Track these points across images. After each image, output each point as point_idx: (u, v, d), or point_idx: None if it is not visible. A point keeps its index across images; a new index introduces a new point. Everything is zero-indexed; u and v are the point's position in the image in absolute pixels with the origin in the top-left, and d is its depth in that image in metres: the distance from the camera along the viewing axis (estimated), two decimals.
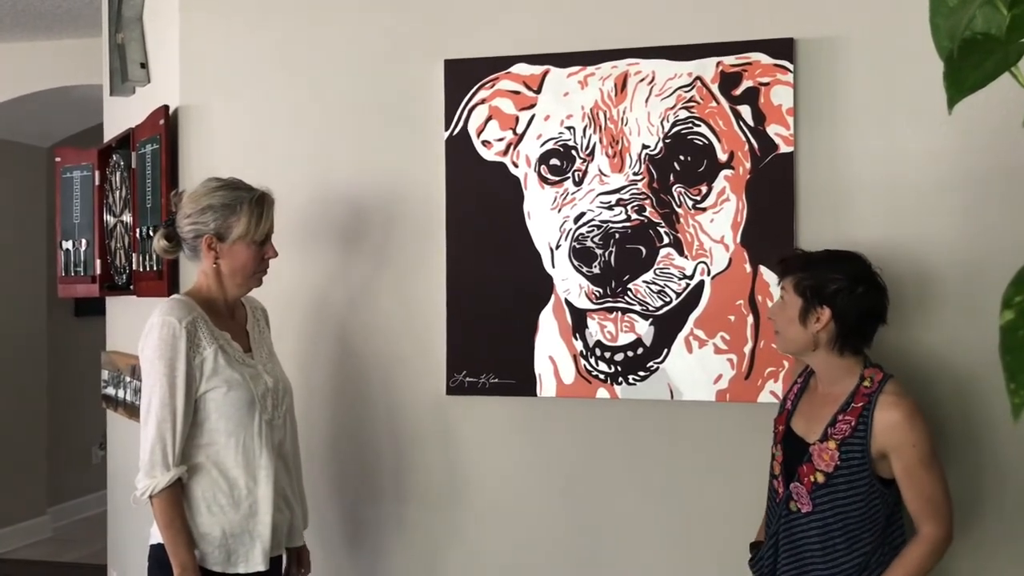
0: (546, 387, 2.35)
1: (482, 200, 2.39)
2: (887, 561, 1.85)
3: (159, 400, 1.89)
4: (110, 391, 3.26)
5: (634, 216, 2.28)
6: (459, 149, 2.41)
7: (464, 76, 2.41)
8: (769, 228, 2.21)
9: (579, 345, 2.33)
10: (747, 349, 2.23)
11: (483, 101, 2.39)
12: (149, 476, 1.88)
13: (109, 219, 3.21)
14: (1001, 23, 0.70)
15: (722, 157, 2.24)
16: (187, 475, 1.93)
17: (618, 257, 2.29)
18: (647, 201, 2.28)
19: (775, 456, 1.98)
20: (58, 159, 3.44)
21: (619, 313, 2.30)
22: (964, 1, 0.71)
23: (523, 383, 2.37)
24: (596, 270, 2.31)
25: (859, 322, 1.87)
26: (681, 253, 2.26)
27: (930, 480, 1.81)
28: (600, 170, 2.31)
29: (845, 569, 1.85)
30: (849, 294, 1.85)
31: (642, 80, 2.29)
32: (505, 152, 2.38)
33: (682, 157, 2.26)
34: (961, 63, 0.71)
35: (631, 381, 2.30)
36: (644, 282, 2.28)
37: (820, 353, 1.90)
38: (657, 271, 2.28)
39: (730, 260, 2.24)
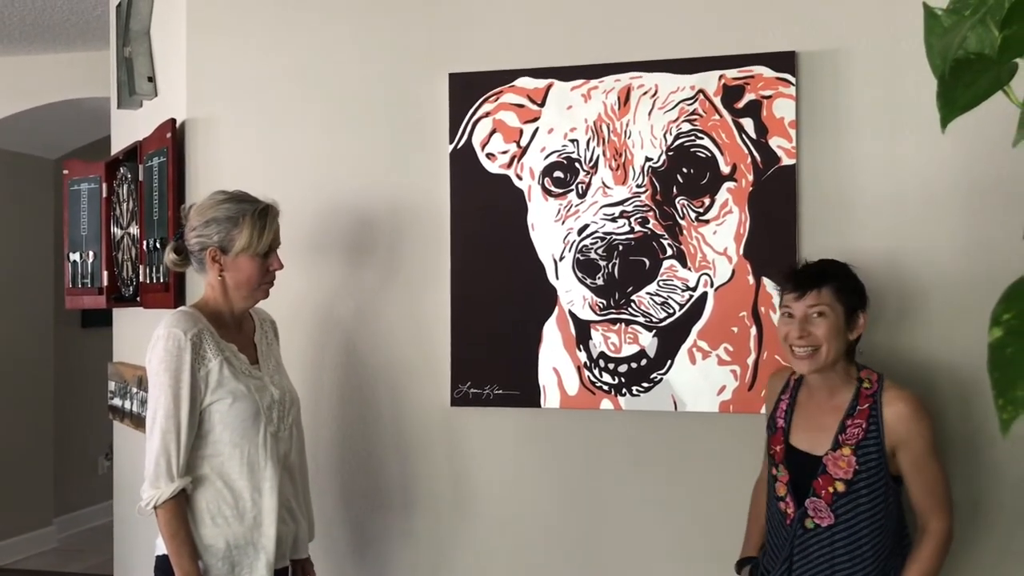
0: (550, 398, 2.36)
1: (486, 212, 2.41)
2: (900, 564, 1.87)
3: (164, 411, 1.90)
4: (116, 402, 3.27)
5: (637, 228, 2.30)
6: (463, 162, 2.43)
7: (468, 89, 2.42)
8: (772, 240, 2.22)
9: (583, 356, 2.34)
10: (750, 360, 2.24)
11: (487, 114, 2.41)
12: (154, 487, 1.89)
13: (116, 231, 3.23)
14: (994, 43, 0.71)
15: (725, 169, 2.25)
16: (192, 486, 1.94)
17: (621, 269, 2.30)
18: (650, 213, 2.29)
19: (777, 477, 1.95)
20: (66, 171, 3.46)
21: (623, 324, 2.31)
22: (957, 22, 0.73)
23: (527, 394, 2.38)
24: (600, 282, 2.32)
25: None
26: (684, 265, 2.27)
27: (936, 472, 1.84)
28: (603, 182, 2.32)
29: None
30: (866, 295, 1.92)
31: (645, 93, 2.31)
32: (509, 165, 2.40)
33: (685, 169, 2.27)
34: (954, 83, 0.72)
35: (635, 392, 2.31)
36: (647, 294, 2.29)
37: (840, 362, 1.90)
38: (660, 283, 2.29)
39: (733, 272, 2.25)
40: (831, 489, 1.84)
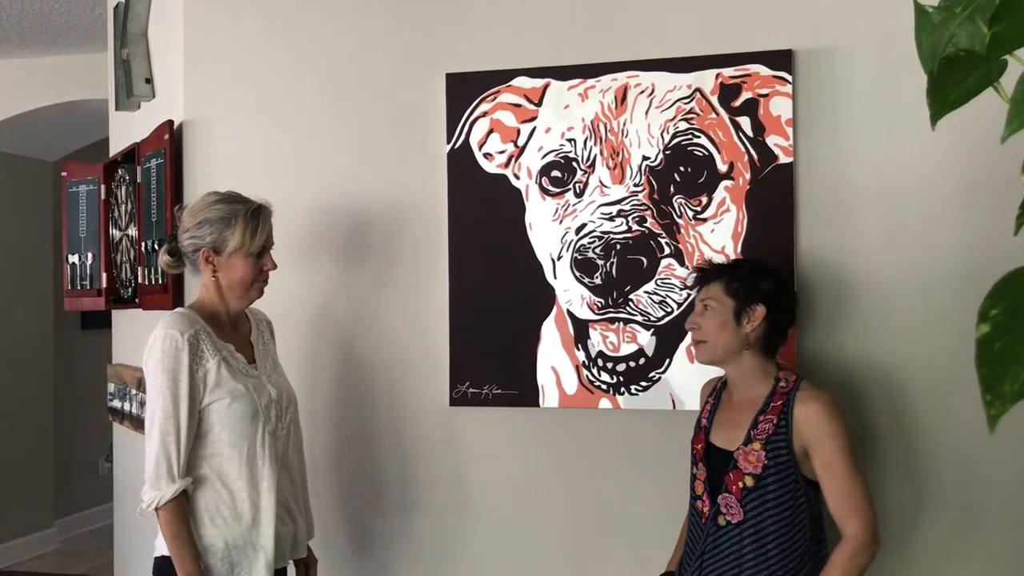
0: (549, 398, 2.36)
1: (484, 212, 2.41)
2: (814, 573, 1.84)
3: (163, 413, 1.90)
4: (116, 404, 3.28)
5: (635, 227, 2.30)
6: (461, 162, 2.43)
7: (465, 89, 2.43)
8: (769, 238, 2.22)
9: (581, 356, 2.34)
10: None
11: (484, 114, 2.41)
12: (155, 488, 1.89)
13: (115, 233, 3.23)
14: (983, 40, 0.71)
15: (722, 168, 2.25)
16: (192, 487, 1.94)
17: (619, 268, 2.30)
18: (648, 212, 2.29)
19: (696, 476, 1.96)
20: (64, 173, 3.46)
21: (621, 323, 2.31)
22: (946, 18, 0.73)
23: (526, 394, 2.38)
24: (598, 281, 2.32)
25: (787, 320, 1.96)
26: (682, 263, 2.27)
27: (850, 474, 1.80)
28: (601, 182, 2.32)
29: None
30: (780, 292, 1.94)
31: (642, 92, 2.31)
32: (507, 164, 2.40)
33: (682, 168, 2.28)
34: (944, 80, 0.72)
35: (633, 391, 2.31)
36: (645, 292, 2.29)
37: (745, 356, 1.92)
38: (658, 281, 2.29)
39: None
40: (741, 484, 1.85)
